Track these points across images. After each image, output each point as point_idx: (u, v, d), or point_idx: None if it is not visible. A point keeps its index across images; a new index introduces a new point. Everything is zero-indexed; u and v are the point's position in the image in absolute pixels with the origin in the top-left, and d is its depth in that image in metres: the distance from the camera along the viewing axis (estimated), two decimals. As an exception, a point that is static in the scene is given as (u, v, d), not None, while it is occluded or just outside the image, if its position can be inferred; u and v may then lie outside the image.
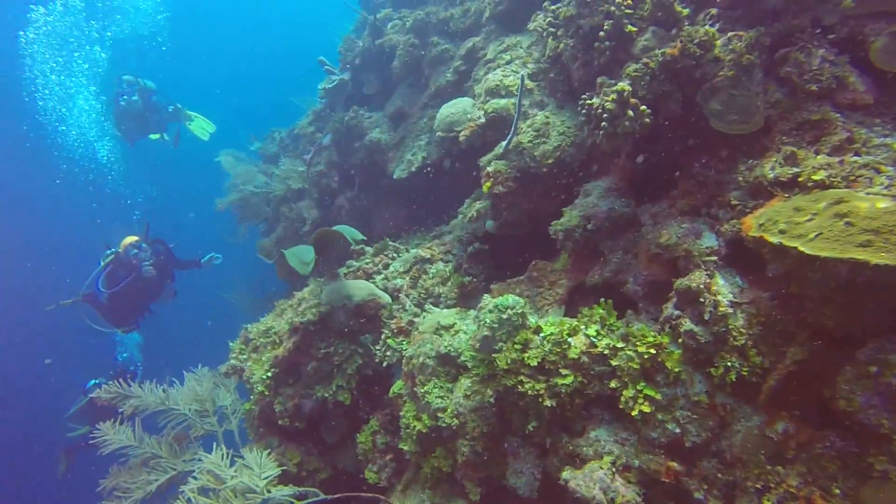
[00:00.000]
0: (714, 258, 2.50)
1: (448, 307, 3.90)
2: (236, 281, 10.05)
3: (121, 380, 4.25)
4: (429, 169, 5.52)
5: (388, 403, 3.91)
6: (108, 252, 6.86)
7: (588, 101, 2.89)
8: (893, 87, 2.43)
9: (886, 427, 1.91)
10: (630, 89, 2.62)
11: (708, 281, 2.37)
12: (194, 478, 3.21)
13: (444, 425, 3.06)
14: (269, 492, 2.98)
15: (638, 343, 2.53)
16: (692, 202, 2.73)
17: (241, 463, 3.14)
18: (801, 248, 1.83)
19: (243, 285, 9.87)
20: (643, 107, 2.63)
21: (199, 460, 3.56)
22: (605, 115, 2.73)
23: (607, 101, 2.71)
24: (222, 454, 3.18)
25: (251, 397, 4.12)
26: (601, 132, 2.81)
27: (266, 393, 3.93)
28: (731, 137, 2.58)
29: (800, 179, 2.16)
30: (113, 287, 6.63)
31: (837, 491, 1.99)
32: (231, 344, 4.71)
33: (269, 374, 3.88)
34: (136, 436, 3.91)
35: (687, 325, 2.39)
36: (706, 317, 2.33)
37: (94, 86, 11.93)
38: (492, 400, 2.95)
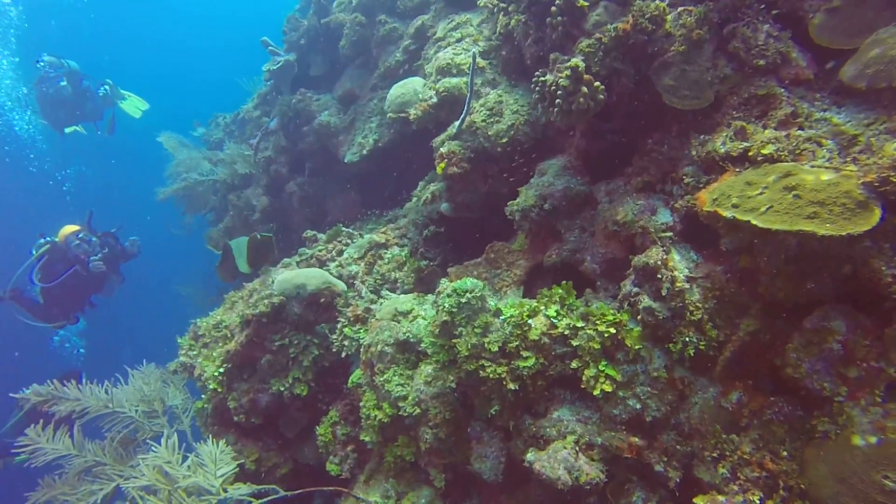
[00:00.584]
0: (670, 234, 2.51)
1: (405, 292, 3.81)
2: (186, 273, 9.66)
3: (56, 381, 3.97)
4: (380, 152, 5.39)
5: (347, 394, 3.81)
6: (42, 241, 6.35)
7: (541, 79, 2.84)
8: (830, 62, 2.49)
9: (828, 390, 1.99)
10: (584, 65, 2.58)
11: (664, 257, 2.38)
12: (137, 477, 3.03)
13: (405, 413, 3.00)
14: (225, 491, 2.85)
15: (598, 322, 2.53)
16: (647, 179, 2.74)
17: (194, 460, 2.99)
18: (754, 222, 1.84)
19: (193, 277, 9.49)
20: (597, 83, 2.60)
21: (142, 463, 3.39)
22: (559, 93, 2.68)
23: (561, 77, 2.66)
24: (173, 446, 3.01)
25: (203, 395, 3.94)
26: (555, 109, 2.76)
27: (219, 389, 3.76)
28: (683, 113, 2.59)
29: (749, 154, 2.19)
30: (49, 281, 6.14)
31: (785, 453, 2.06)
32: (180, 340, 4.48)
33: (222, 369, 3.71)
34: (75, 443, 3.66)
35: (645, 301, 2.40)
36: (663, 293, 2.34)
37: (5, 49, 10.81)
38: (453, 385, 2.91)
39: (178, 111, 11.23)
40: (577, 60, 2.58)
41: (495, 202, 3.80)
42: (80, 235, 6.23)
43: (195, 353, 4.25)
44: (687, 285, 2.34)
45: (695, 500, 2.06)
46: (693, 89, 2.44)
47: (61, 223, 6.71)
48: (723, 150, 2.28)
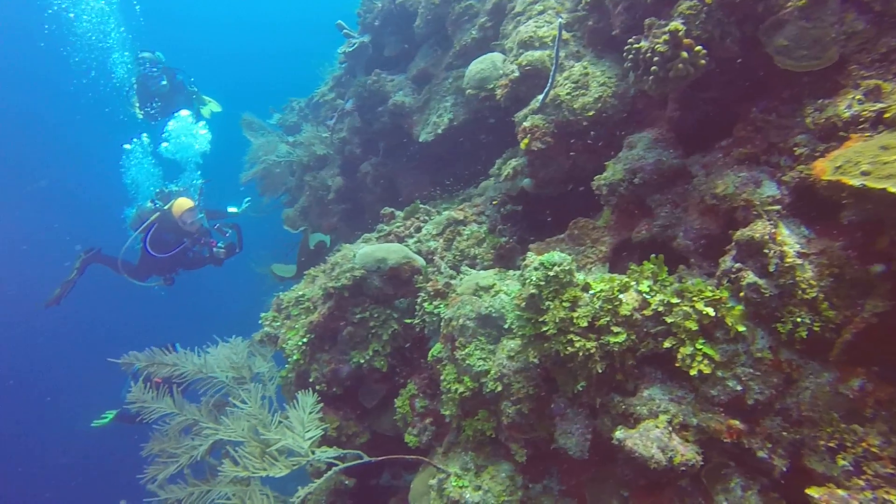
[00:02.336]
0: (777, 207, 2.35)
1: (484, 269, 3.81)
2: (262, 253, 10.09)
3: (154, 347, 4.27)
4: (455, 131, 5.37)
5: (424, 367, 3.87)
6: (151, 206, 6.60)
7: (635, 46, 2.71)
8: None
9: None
10: (684, 29, 2.43)
11: (773, 231, 2.23)
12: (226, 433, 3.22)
13: (487, 388, 3.01)
14: (313, 453, 2.98)
15: (695, 298, 2.41)
16: (750, 150, 2.56)
17: (283, 423, 3.14)
18: (892, 190, 1.67)
19: (269, 257, 9.91)
20: (698, 47, 2.45)
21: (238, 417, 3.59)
22: (655, 59, 2.55)
23: (658, 43, 2.53)
24: (264, 403, 3.18)
25: (287, 364, 4.12)
26: (650, 78, 2.63)
27: (301, 360, 3.92)
28: (796, 76, 2.39)
29: (886, 116, 1.99)
30: (159, 251, 6.39)
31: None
32: (263, 314, 4.71)
33: (305, 339, 3.86)
34: (176, 403, 3.94)
35: (749, 278, 2.26)
36: (771, 269, 2.19)
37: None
38: (536, 361, 2.89)
39: (255, 98, 11.69)
40: (676, 24, 2.44)
41: (578, 177, 3.71)
42: (200, 216, 6.48)
43: (278, 324, 4.45)
44: (799, 261, 2.18)
45: (808, 491, 1.92)
46: (813, 48, 2.25)
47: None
48: (848, 115, 2.09)
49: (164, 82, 8.35)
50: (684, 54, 2.41)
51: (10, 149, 26.55)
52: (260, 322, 4.60)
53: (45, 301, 6.65)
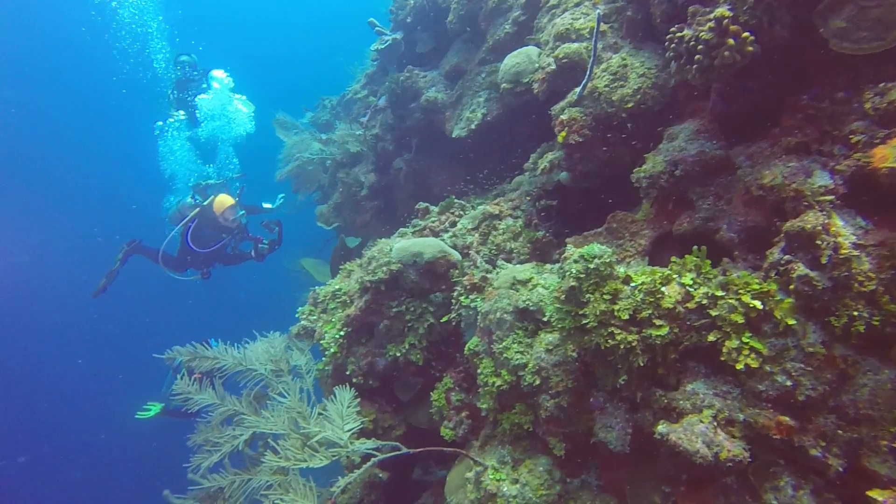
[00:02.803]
0: (830, 197, 2.27)
1: (520, 263, 3.79)
2: (294, 249, 10.27)
3: (195, 343, 4.40)
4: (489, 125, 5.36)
5: (460, 361, 3.88)
6: (191, 202, 6.73)
7: (678, 34, 2.65)
8: None
9: None
10: (730, 15, 2.37)
11: (826, 221, 2.15)
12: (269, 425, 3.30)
13: (525, 382, 3.00)
14: (352, 444, 3.02)
15: (741, 291, 2.36)
16: (800, 139, 2.48)
17: (322, 415, 3.19)
18: (960, 174, 1.60)
19: (301, 253, 10.07)
20: (745, 33, 2.38)
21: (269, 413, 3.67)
22: (699, 48, 2.50)
23: (702, 30, 2.48)
24: (302, 399, 3.24)
25: (324, 357, 4.18)
26: (693, 67, 2.58)
27: (338, 353, 3.97)
28: (853, 61, 2.30)
29: (951, 99, 1.90)
30: (205, 247, 6.55)
31: None
32: (300, 308, 4.79)
33: (342, 332, 3.91)
34: (217, 395, 4.06)
35: (800, 270, 2.20)
36: (824, 261, 2.12)
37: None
38: (575, 354, 2.87)
39: (286, 97, 11.89)
40: (722, 10, 2.38)
41: (616, 170, 3.66)
42: (241, 213, 6.64)
43: (315, 317, 4.53)
44: (855, 253, 2.10)
45: (870, 493, 1.85)
46: (874, 29, 2.16)
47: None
48: (911, 98, 2.00)
49: (205, 85, 8.51)
50: (731, 41, 2.35)
51: (52, 142, 27.67)
52: (296, 316, 4.68)
53: (93, 292, 6.92)
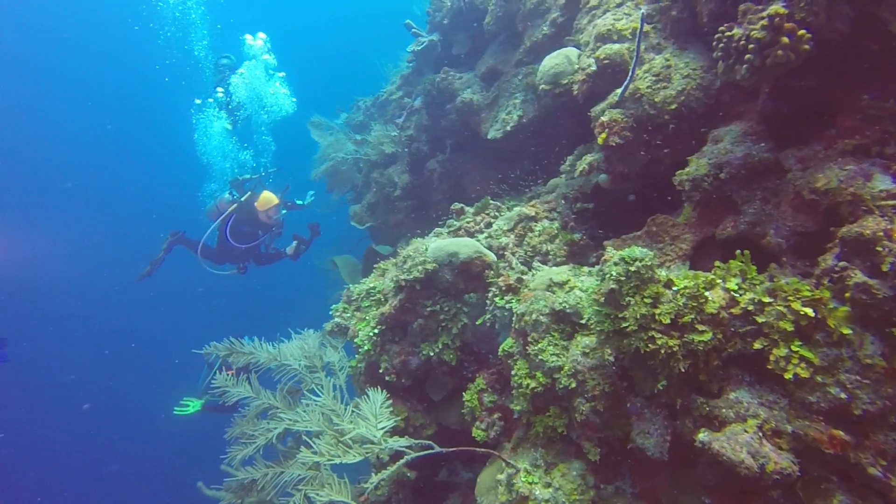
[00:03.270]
0: (892, 202, 2.18)
1: (556, 265, 3.76)
2: (326, 248, 10.40)
3: (233, 337, 4.50)
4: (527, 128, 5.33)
5: (493, 362, 3.87)
6: (229, 197, 6.78)
7: (727, 34, 2.59)
8: None
9: None
10: (786, 12, 2.30)
11: (888, 227, 2.06)
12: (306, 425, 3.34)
13: (560, 384, 2.96)
14: (385, 442, 3.04)
15: (790, 298, 2.28)
16: (859, 141, 2.39)
17: (355, 413, 3.22)
18: None
19: (333, 252, 10.20)
20: (802, 31, 2.30)
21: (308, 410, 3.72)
22: (750, 47, 2.43)
23: (754, 29, 2.41)
24: (337, 395, 3.28)
25: (357, 354, 4.22)
26: (743, 67, 2.51)
27: (372, 351, 4.00)
28: (916, 60, 2.21)
29: None
30: (244, 242, 6.63)
31: None
32: (333, 306, 4.84)
33: (376, 330, 3.94)
34: (253, 389, 4.14)
35: (857, 277, 2.11)
36: (885, 268, 2.03)
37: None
38: (612, 358, 2.82)
39: (321, 98, 12.09)
40: (777, 7, 2.31)
41: (656, 173, 3.60)
42: (283, 212, 6.76)
43: (349, 315, 4.57)
44: (918, 260, 2.01)
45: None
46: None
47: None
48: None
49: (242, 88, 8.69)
50: (785, 40, 2.28)
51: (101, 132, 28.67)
52: (330, 313, 4.74)
53: (138, 276, 7.17)
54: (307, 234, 7.10)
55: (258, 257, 7.02)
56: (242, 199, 6.63)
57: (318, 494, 2.97)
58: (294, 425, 3.48)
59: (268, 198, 6.59)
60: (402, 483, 4.18)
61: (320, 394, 3.64)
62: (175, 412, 6.75)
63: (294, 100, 9.62)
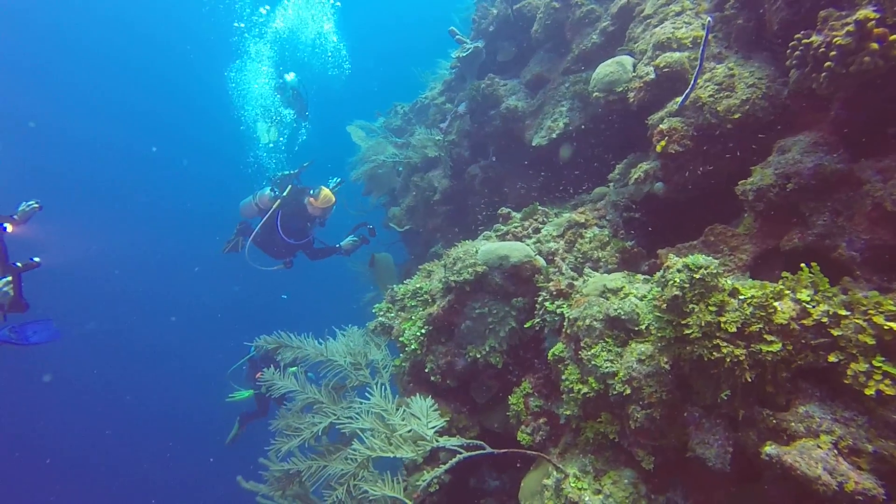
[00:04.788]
0: (981, 214, 2.11)
1: (608, 272, 3.73)
2: (360, 250, 10.50)
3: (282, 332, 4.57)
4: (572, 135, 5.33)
5: (539, 367, 3.85)
6: (271, 194, 6.80)
7: (805, 41, 2.56)
8: None
9: None
10: (876, 16, 2.26)
11: (978, 240, 2.00)
12: (359, 424, 3.37)
13: (614, 391, 2.94)
14: (437, 441, 3.04)
15: (871, 311, 2.22)
16: (944, 151, 2.33)
17: (407, 412, 3.23)
18: None
19: (367, 254, 10.29)
20: (893, 36, 2.25)
21: (355, 408, 3.75)
22: (832, 54, 2.39)
23: (836, 35, 2.37)
24: (386, 397, 3.30)
25: (401, 354, 4.24)
26: (823, 75, 2.47)
27: (418, 350, 4.02)
28: None
29: None
30: (299, 238, 6.72)
31: None
32: (377, 305, 4.88)
33: (424, 330, 3.96)
34: (299, 382, 4.19)
35: (944, 291, 2.05)
36: (975, 282, 1.97)
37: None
38: (668, 366, 2.79)
39: (358, 103, 12.26)
40: (866, 11, 2.27)
41: (712, 183, 3.55)
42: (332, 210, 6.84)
43: (392, 315, 4.60)
44: None
45: None
46: None
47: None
48: None
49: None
50: (874, 45, 2.24)
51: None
52: (373, 311, 4.78)
53: (222, 249, 7.37)
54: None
55: (313, 252, 7.09)
56: (284, 194, 6.70)
57: (372, 489, 2.99)
58: (346, 423, 3.51)
59: (328, 196, 6.64)
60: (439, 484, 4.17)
61: (367, 391, 3.67)
62: (228, 399, 7.00)
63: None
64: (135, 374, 26.34)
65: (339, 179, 7.25)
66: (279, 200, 6.64)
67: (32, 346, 4.81)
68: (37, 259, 4.34)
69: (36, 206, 5.41)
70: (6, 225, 4.85)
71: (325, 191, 6.59)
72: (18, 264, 4.24)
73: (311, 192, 6.69)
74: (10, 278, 4.20)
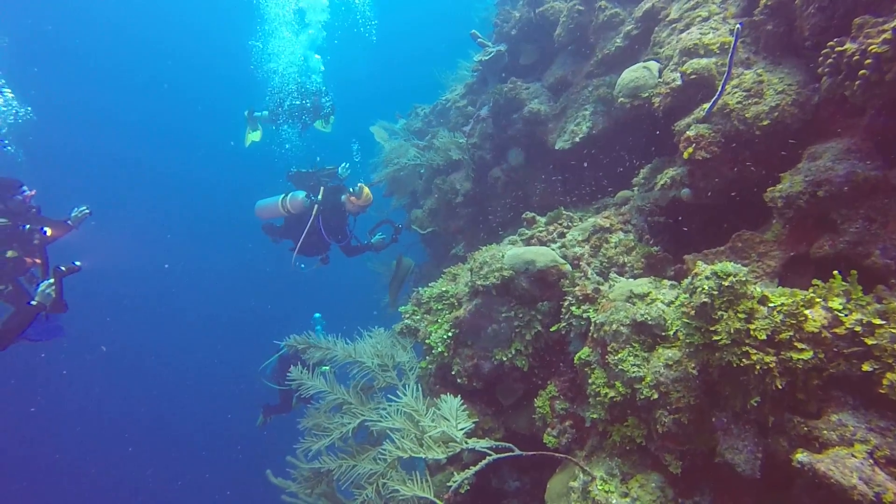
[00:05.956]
0: None
1: (633, 277, 3.75)
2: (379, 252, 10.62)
3: (311, 332, 4.68)
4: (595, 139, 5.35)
5: (564, 370, 3.89)
6: (308, 201, 6.87)
7: (838, 48, 2.56)
8: None
9: None
10: (914, 27, 2.26)
11: None
12: (390, 423, 3.44)
13: (641, 395, 2.97)
14: (467, 442, 3.10)
15: (906, 320, 2.23)
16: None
17: (437, 413, 3.30)
18: None
19: (386, 255, 10.39)
20: (930, 46, 2.26)
21: (385, 409, 3.83)
22: (867, 62, 2.40)
23: (873, 43, 2.38)
24: (417, 398, 3.37)
25: (427, 356, 4.31)
26: (856, 83, 2.48)
27: (445, 353, 4.08)
28: None
29: None
30: (340, 237, 6.93)
31: None
32: (402, 307, 4.96)
33: (451, 333, 4.02)
34: (328, 383, 4.28)
35: (981, 301, 2.05)
36: None
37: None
38: (695, 372, 2.81)
39: (382, 105, 12.34)
40: (902, 22, 2.28)
41: (743, 189, 3.56)
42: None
43: (418, 317, 4.67)
44: None
45: None
46: None
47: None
48: None
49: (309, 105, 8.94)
50: (910, 55, 2.24)
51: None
52: (399, 312, 4.85)
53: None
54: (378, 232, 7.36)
55: (350, 249, 7.25)
56: (319, 197, 6.81)
57: (402, 489, 3.06)
58: (381, 424, 3.59)
59: (369, 194, 6.84)
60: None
61: (395, 392, 3.75)
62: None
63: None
64: (138, 382, 26.89)
65: (346, 165, 7.41)
66: (317, 206, 6.76)
67: (40, 342, 5.04)
68: (78, 263, 4.52)
69: (87, 211, 5.66)
70: (46, 228, 5.05)
71: (366, 189, 6.75)
72: (63, 268, 4.42)
73: (351, 190, 6.85)
74: (52, 280, 4.38)
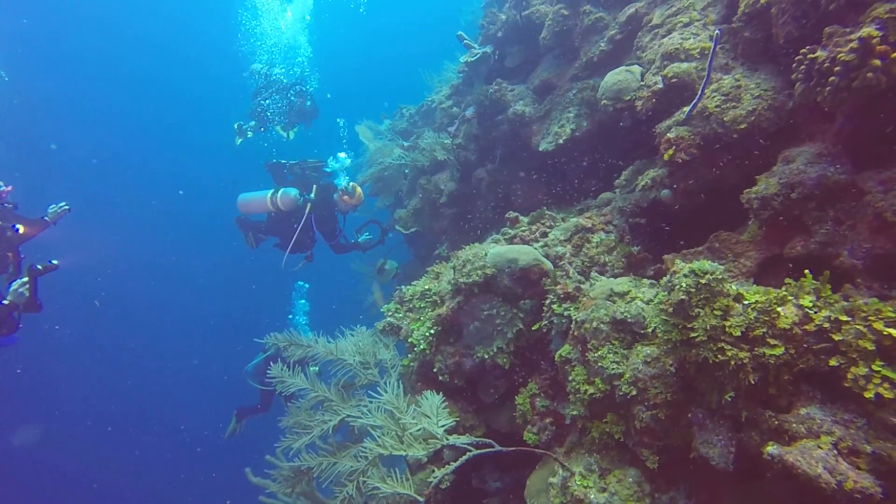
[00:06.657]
0: (978, 226, 2.20)
1: (614, 276, 3.82)
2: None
3: (292, 330, 4.66)
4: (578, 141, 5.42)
5: (545, 368, 3.93)
6: (301, 201, 6.86)
7: (810, 55, 2.65)
8: None
9: None
10: (879, 34, 2.35)
11: (975, 250, 2.09)
12: (371, 420, 3.45)
13: (620, 392, 3.02)
14: (447, 439, 3.12)
15: (871, 318, 2.31)
16: (943, 165, 2.42)
17: (418, 410, 3.31)
18: None
19: (370, 256, 10.37)
20: (895, 53, 2.35)
21: (366, 406, 3.84)
22: (835, 69, 2.49)
23: (840, 52, 2.46)
24: (398, 395, 3.38)
25: (410, 354, 4.32)
26: (827, 89, 2.56)
27: (427, 350, 4.10)
28: None
29: None
30: (333, 235, 6.96)
31: None
32: (385, 305, 4.97)
33: (433, 330, 4.04)
34: (309, 380, 4.27)
35: (942, 298, 2.13)
36: (972, 290, 2.06)
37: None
38: (673, 368, 2.88)
39: (368, 105, 12.35)
40: (870, 30, 2.37)
41: (720, 191, 3.64)
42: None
43: (401, 315, 4.68)
44: None
45: None
46: None
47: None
48: None
49: (310, 103, 8.94)
50: (877, 62, 2.33)
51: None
52: (382, 311, 4.86)
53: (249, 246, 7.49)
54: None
55: (339, 247, 7.23)
56: (312, 196, 6.79)
57: (383, 486, 3.07)
58: (360, 421, 3.59)
59: (361, 193, 6.91)
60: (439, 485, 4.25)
61: (377, 389, 3.76)
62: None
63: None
64: (124, 379, 26.52)
65: (346, 155, 7.41)
66: (310, 205, 6.74)
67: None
68: (55, 262, 4.44)
69: (66, 207, 5.55)
70: (18, 226, 4.95)
71: (359, 189, 6.79)
72: (39, 266, 4.33)
73: (343, 188, 6.86)
74: (26, 279, 4.29)
